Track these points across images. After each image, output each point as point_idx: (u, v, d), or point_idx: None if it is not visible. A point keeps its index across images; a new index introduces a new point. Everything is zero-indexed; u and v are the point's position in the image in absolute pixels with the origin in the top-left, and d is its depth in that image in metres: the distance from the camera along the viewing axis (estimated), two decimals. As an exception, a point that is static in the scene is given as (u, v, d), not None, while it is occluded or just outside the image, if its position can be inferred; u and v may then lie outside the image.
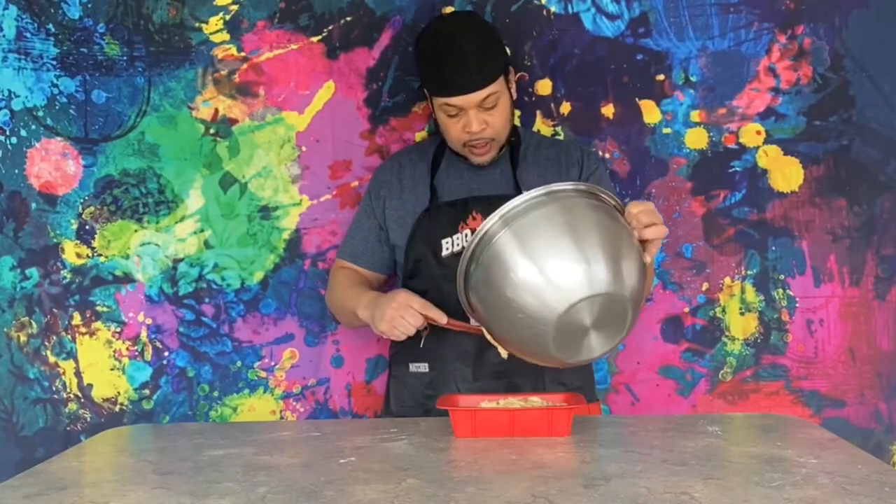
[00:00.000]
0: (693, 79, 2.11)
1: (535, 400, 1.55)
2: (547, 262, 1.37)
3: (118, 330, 2.09)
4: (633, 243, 1.46)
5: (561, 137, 2.11)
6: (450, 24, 1.84)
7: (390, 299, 1.70)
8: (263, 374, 2.12)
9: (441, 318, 1.68)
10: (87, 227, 2.09)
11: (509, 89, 1.83)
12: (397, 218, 1.90)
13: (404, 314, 1.67)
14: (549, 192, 1.41)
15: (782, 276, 2.12)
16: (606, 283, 1.36)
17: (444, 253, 1.83)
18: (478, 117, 1.77)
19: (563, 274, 1.35)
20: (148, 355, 2.10)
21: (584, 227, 1.37)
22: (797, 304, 2.12)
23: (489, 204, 1.80)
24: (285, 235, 2.11)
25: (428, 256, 1.84)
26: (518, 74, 1.93)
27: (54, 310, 2.08)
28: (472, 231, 1.81)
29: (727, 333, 2.12)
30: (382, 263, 1.95)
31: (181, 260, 2.10)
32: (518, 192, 1.83)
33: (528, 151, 1.92)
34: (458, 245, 1.82)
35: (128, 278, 2.09)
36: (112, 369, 2.10)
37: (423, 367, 1.83)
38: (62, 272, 2.08)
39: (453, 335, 1.77)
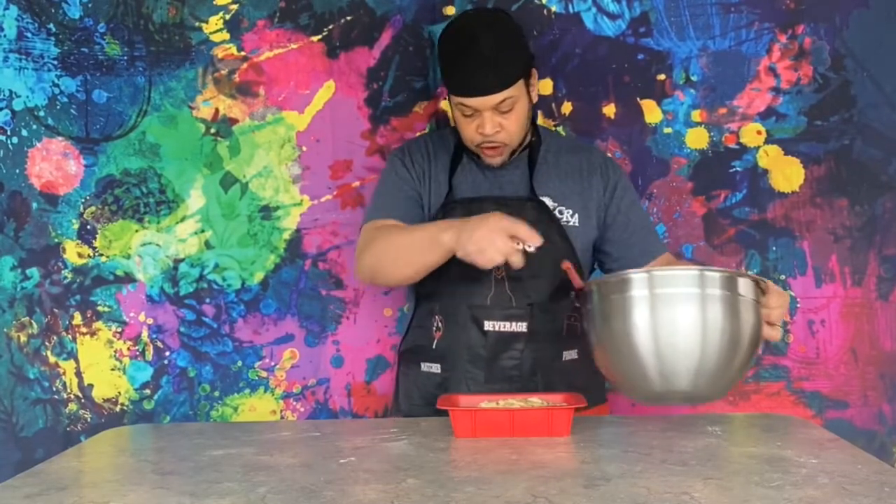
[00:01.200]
0: (694, 78, 2.11)
1: (535, 400, 1.55)
2: (665, 347, 1.38)
3: (119, 330, 2.10)
4: (754, 340, 1.43)
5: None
6: (473, 22, 1.76)
7: (481, 222, 1.57)
8: (264, 374, 2.12)
9: (535, 241, 1.55)
10: (88, 226, 2.09)
11: (529, 93, 1.76)
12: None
13: (495, 238, 1.55)
14: (703, 274, 1.41)
15: (783, 277, 2.12)
16: (707, 389, 1.41)
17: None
18: (492, 120, 1.72)
19: (673, 366, 1.38)
20: (149, 355, 2.10)
21: (713, 328, 1.38)
22: (798, 305, 2.12)
23: (504, 205, 1.75)
24: (286, 235, 2.11)
25: None
26: None
27: (55, 310, 2.08)
28: None
29: (728, 333, 2.12)
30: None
31: (182, 260, 2.10)
32: (533, 195, 1.80)
33: (549, 155, 1.85)
34: None
35: (129, 278, 2.10)
36: (113, 369, 2.10)
37: (435, 368, 1.80)
38: (63, 272, 2.08)
39: (466, 337, 1.75)
